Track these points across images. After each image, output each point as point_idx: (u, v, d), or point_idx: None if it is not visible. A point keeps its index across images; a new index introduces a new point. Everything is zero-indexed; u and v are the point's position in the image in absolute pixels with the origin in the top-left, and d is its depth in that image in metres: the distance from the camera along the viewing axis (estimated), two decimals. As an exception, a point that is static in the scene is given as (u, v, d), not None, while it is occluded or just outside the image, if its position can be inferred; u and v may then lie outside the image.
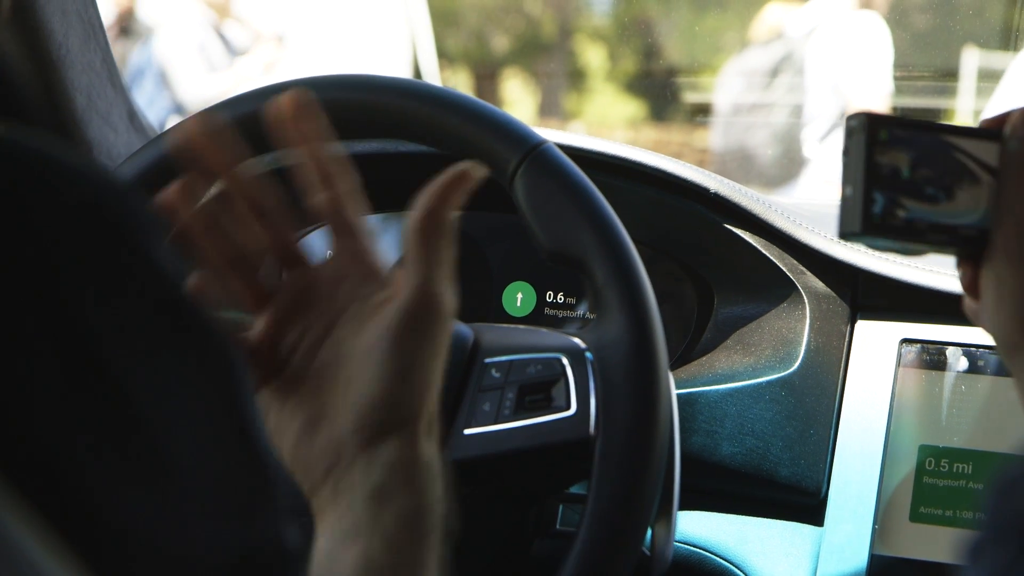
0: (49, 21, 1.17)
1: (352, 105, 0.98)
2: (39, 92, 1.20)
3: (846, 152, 0.72)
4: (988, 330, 0.73)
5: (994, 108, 3.76)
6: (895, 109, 3.96)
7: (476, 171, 0.69)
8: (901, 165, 0.71)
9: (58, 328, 0.45)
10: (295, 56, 5.03)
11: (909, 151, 0.72)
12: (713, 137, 4.52)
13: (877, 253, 1.12)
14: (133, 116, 1.31)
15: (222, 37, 4.90)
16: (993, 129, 0.73)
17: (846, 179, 0.72)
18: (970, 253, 0.73)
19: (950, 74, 3.98)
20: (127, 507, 0.45)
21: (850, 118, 0.72)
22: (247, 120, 0.99)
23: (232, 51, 4.90)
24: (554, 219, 0.90)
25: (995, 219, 0.71)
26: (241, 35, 5.02)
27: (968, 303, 0.75)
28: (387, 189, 1.25)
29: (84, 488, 0.45)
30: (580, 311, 1.21)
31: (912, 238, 0.72)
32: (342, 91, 0.98)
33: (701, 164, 1.15)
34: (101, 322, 0.46)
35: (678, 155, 1.22)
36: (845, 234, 0.72)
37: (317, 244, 1.27)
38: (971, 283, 0.74)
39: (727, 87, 4.38)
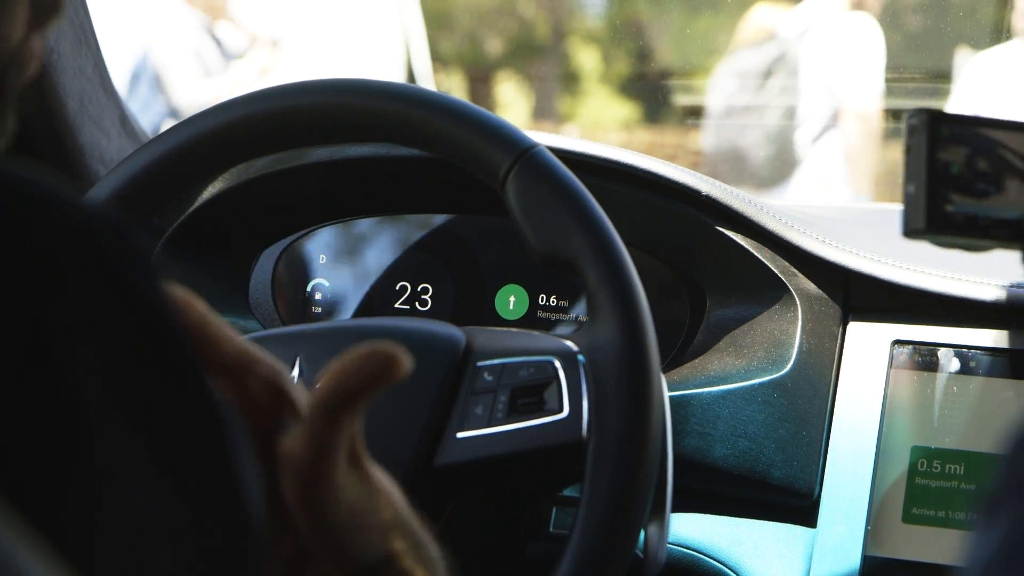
0: (41, 26, 1.17)
1: (344, 109, 0.98)
2: (30, 98, 1.20)
3: (907, 150, 0.72)
4: None
5: (957, 106, 3.77)
6: (888, 111, 3.96)
7: (405, 366, 0.59)
8: (964, 162, 0.71)
9: (40, 356, 0.44)
10: (290, 60, 5.02)
11: (971, 147, 0.72)
12: (706, 139, 4.53)
13: (868, 255, 1.13)
14: (125, 121, 1.31)
15: (216, 40, 4.90)
16: None
17: (908, 177, 0.72)
18: None
19: (942, 75, 3.98)
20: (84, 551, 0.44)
21: (911, 115, 0.72)
22: (240, 125, 1.00)
23: (227, 54, 4.90)
24: (546, 222, 0.90)
25: None
26: (235, 37, 5.01)
27: None
28: (379, 193, 1.26)
29: (50, 519, 0.44)
30: (573, 314, 1.22)
31: (977, 234, 0.72)
32: (334, 95, 0.98)
33: (695, 166, 1.15)
34: (85, 352, 0.45)
35: (672, 157, 1.23)
36: (910, 232, 0.72)
37: (314, 246, 1.28)
38: None
39: (720, 88, 4.38)
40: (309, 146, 1.19)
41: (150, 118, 4.41)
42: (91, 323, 0.45)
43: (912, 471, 1.08)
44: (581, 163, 1.12)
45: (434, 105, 0.96)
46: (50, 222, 0.46)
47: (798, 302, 1.13)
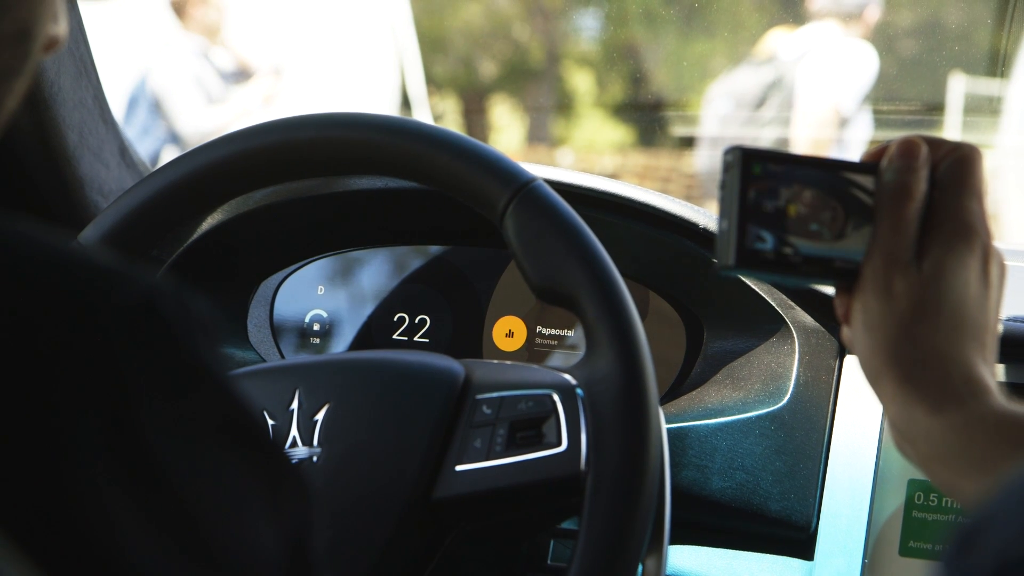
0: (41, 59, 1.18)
1: (343, 142, 0.98)
2: (31, 129, 1.21)
3: (722, 186, 0.73)
4: (857, 358, 0.74)
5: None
6: (884, 141, 3.97)
7: None
8: (775, 199, 0.72)
9: (114, 424, 0.47)
10: (290, 85, 5.02)
11: (785, 185, 0.73)
12: (700, 161, 4.53)
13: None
14: (124, 152, 1.31)
15: (215, 66, 4.89)
16: (872, 162, 0.74)
17: (722, 213, 0.73)
18: (847, 284, 0.74)
19: (936, 105, 3.99)
20: None
21: (726, 152, 0.74)
22: (239, 159, 1.00)
23: (224, 78, 4.89)
24: (544, 256, 0.91)
25: (867, 251, 0.73)
26: (230, 60, 5.01)
27: (845, 332, 0.76)
28: (377, 224, 1.26)
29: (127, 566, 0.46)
30: (569, 345, 1.22)
31: (787, 271, 0.73)
32: (332, 129, 0.99)
33: (689, 189, 1.16)
34: (154, 419, 0.48)
35: (666, 180, 1.23)
36: (721, 267, 0.73)
37: (312, 277, 1.28)
38: (845, 313, 0.75)
39: (715, 111, 4.39)
40: (307, 179, 1.19)
41: (149, 144, 4.39)
42: (156, 383, 0.49)
43: (909, 504, 1.08)
44: (579, 196, 1.13)
45: (432, 139, 0.96)
46: (115, 293, 0.49)
47: (795, 335, 1.14)
